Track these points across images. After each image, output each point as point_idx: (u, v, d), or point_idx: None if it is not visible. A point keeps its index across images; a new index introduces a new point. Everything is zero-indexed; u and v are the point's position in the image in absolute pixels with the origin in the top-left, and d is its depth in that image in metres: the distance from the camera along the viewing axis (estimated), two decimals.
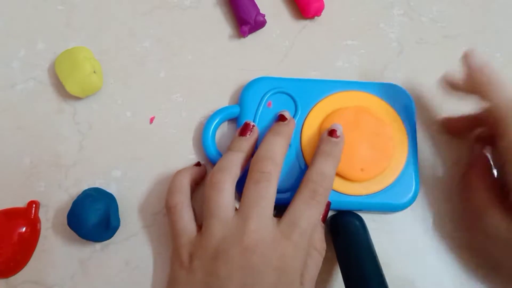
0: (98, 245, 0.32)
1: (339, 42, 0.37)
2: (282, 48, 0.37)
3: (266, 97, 0.33)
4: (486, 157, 0.31)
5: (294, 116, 0.33)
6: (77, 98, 0.35)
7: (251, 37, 0.37)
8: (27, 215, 0.32)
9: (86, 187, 0.33)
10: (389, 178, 0.32)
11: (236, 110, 0.33)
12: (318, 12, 0.37)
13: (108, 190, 0.32)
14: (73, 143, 0.34)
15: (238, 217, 0.27)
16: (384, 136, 0.32)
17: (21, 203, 0.33)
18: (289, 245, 0.26)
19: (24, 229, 0.32)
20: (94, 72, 0.34)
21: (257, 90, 0.34)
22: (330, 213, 0.32)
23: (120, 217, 0.32)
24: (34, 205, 0.32)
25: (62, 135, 0.34)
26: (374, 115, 0.32)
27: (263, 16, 0.36)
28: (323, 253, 0.29)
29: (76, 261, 0.32)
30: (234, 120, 0.34)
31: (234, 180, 0.28)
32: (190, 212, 0.30)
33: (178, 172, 0.31)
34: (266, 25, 0.37)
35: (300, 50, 0.37)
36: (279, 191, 0.29)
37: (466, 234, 0.32)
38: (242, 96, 0.34)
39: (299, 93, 0.33)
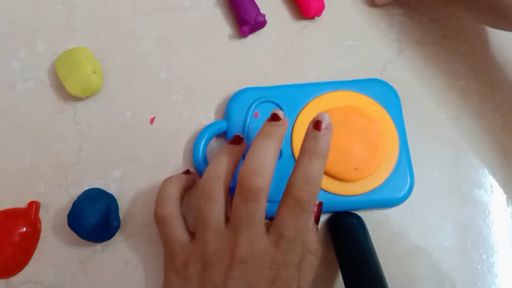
0: (98, 246, 0.32)
1: (339, 42, 0.37)
2: (282, 48, 0.37)
3: (252, 108, 0.33)
4: None
5: None
6: (77, 99, 0.35)
7: (251, 37, 0.37)
8: (28, 216, 0.32)
9: (86, 188, 0.33)
10: (383, 174, 0.32)
11: (223, 125, 0.33)
12: (318, 12, 0.37)
13: (108, 190, 0.32)
14: (73, 143, 0.34)
15: (229, 230, 0.27)
16: (374, 133, 0.32)
17: (21, 203, 0.33)
18: (279, 254, 0.26)
19: (24, 229, 0.32)
20: (94, 72, 0.34)
21: (242, 102, 0.33)
22: (330, 214, 0.32)
23: (120, 217, 0.32)
24: (34, 206, 0.32)
25: (62, 135, 0.35)
26: (362, 113, 0.32)
27: (263, 16, 0.36)
28: (319, 254, 0.29)
29: (76, 261, 0.32)
30: (222, 135, 0.34)
31: (226, 188, 0.28)
32: (180, 222, 0.29)
33: (166, 181, 0.30)
34: (266, 25, 0.37)
35: (300, 50, 0.37)
36: (271, 201, 0.28)
37: None
38: (227, 110, 0.34)
39: (284, 100, 0.33)
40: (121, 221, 0.32)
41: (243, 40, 0.37)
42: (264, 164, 0.26)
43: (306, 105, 0.33)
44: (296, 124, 0.33)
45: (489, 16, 0.33)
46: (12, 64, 0.36)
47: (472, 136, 0.35)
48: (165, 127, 0.35)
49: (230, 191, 0.30)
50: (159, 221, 0.29)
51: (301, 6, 0.37)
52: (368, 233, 0.31)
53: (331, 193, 0.31)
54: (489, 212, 0.33)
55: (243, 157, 0.31)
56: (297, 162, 0.27)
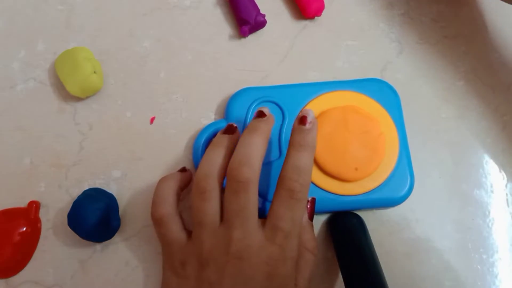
0: (98, 245, 0.32)
1: (339, 42, 0.37)
2: (282, 48, 0.37)
3: (252, 108, 0.33)
4: None
5: (282, 123, 0.33)
6: (77, 98, 0.35)
7: (251, 37, 0.37)
8: (28, 215, 0.32)
9: (86, 187, 0.33)
10: (384, 173, 0.32)
11: (223, 125, 0.33)
12: (318, 12, 0.37)
13: (108, 190, 0.32)
14: (73, 143, 0.34)
15: (224, 226, 0.27)
16: (374, 133, 0.32)
17: (21, 203, 0.33)
18: (275, 249, 0.26)
19: (24, 229, 0.32)
20: (95, 72, 0.34)
21: (242, 102, 0.33)
22: (330, 214, 0.32)
23: (120, 217, 0.32)
24: (34, 205, 0.32)
25: (62, 135, 0.35)
26: (361, 112, 0.32)
27: (263, 16, 0.36)
28: (315, 252, 0.28)
29: (76, 261, 0.32)
30: None
31: (220, 185, 0.28)
32: (178, 222, 0.29)
33: (162, 181, 0.30)
34: (266, 25, 0.37)
35: (300, 50, 0.37)
36: (267, 199, 0.28)
37: None
38: (227, 110, 0.34)
39: (284, 100, 0.33)
40: (121, 221, 0.32)
41: (243, 40, 0.37)
42: (251, 156, 0.27)
43: (306, 105, 0.33)
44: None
45: None
46: (12, 64, 0.36)
47: (472, 136, 0.35)
48: (165, 127, 0.35)
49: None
50: (156, 222, 0.29)
51: (301, 6, 0.37)
52: (368, 233, 0.31)
53: (331, 193, 0.31)
54: (489, 212, 0.33)
55: None
56: (286, 155, 0.28)
